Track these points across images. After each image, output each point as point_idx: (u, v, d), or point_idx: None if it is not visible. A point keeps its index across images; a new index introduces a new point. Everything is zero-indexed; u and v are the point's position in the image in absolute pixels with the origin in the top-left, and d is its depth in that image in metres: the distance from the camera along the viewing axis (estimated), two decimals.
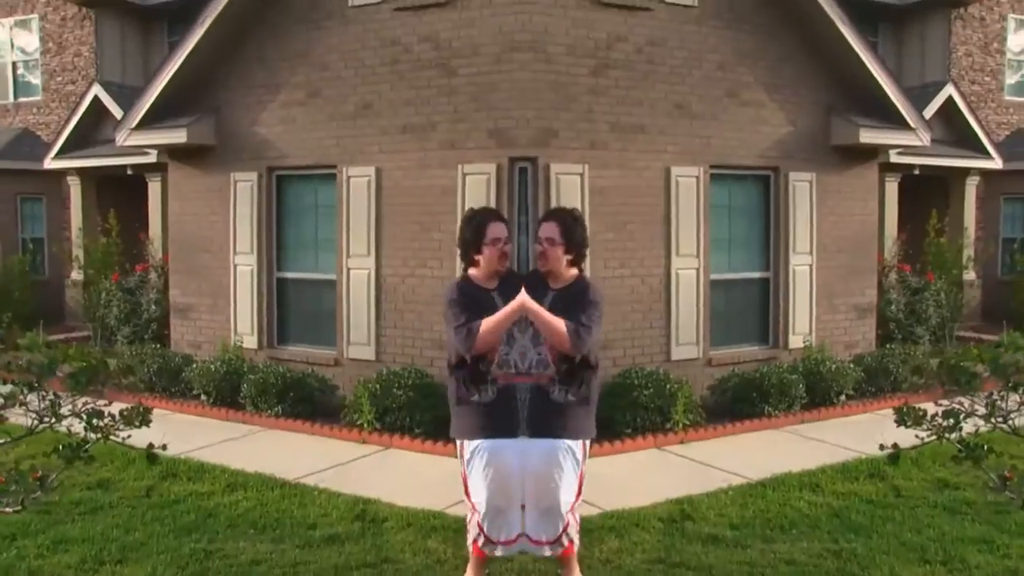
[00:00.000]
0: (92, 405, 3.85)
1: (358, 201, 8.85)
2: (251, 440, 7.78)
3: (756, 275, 9.77)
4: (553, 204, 8.08)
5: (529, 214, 8.18)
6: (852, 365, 9.24)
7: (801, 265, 9.75)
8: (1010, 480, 4.12)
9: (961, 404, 4.34)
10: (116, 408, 4.02)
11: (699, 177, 8.95)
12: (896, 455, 4.40)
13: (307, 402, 8.45)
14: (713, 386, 8.89)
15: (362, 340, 8.92)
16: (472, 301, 4.02)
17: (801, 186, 9.70)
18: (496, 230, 4.08)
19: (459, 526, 5.34)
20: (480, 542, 4.10)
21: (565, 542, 4.13)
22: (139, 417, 3.70)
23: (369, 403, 7.78)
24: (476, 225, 4.11)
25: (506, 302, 3.93)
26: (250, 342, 9.60)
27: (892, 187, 13.07)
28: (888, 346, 10.13)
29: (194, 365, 9.12)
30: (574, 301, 4.02)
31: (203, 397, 8.91)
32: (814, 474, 6.52)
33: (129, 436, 3.82)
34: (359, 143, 8.86)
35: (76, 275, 14.30)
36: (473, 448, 4.03)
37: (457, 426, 4.20)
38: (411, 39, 8.45)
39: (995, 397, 4.18)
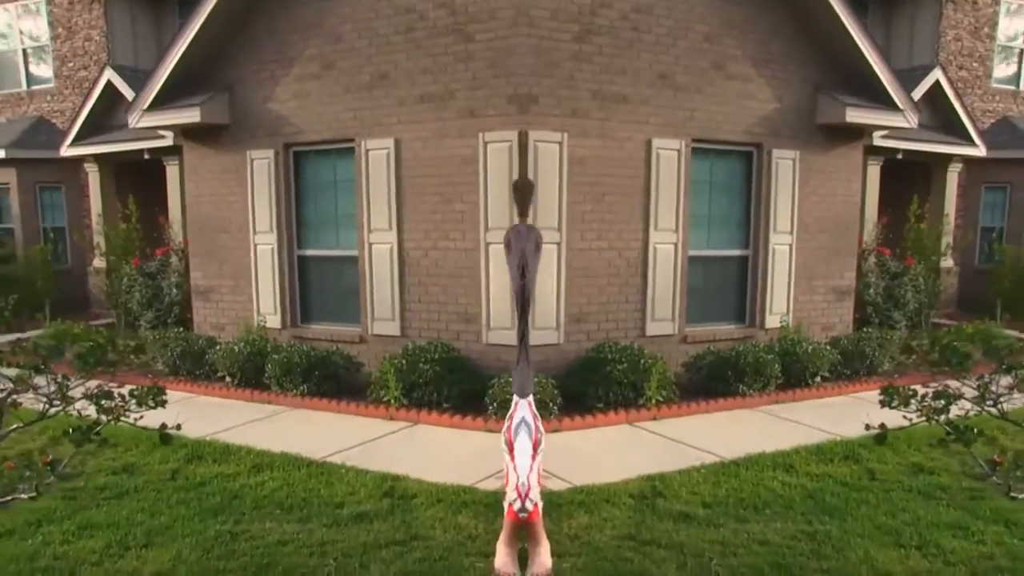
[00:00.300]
0: (104, 387, 3.70)
1: (377, 174, 8.68)
2: (276, 420, 7.64)
3: (735, 253, 9.65)
4: (531, 173, 7.99)
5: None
6: (829, 347, 9.16)
7: (781, 244, 9.64)
8: (1000, 465, 3.97)
9: (948, 386, 4.21)
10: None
11: (681, 150, 8.77)
12: (883, 435, 4.33)
13: (333, 380, 8.32)
14: (688, 363, 8.78)
15: (386, 316, 8.77)
16: None
17: (784, 164, 9.55)
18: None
19: (490, 501, 5.22)
20: (517, 506, 4.01)
21: (529, 506, 4.04)
22: (152, 397, 3.51)
23: (395, 379, 7.63)
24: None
25: None
26: (273, 322, 9.49)
27: (874, 170, 12.96)
28: (865, 329, 10.05)
29: (217, 347, 9.01)
30: None
31: (227, 379, 8.80)
32: (788, 455, 6.41)
33: (141, 417, 3.64)
34: (376, 115, 8.66)
35: (98, 262, 14.26)
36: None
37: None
38: (426, 5, 8.23)
39: (987, 379, 4.02)
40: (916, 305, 11.82)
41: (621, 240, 8.53)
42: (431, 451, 6.57)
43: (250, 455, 6.30)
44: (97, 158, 14.44)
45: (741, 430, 7.30)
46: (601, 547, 4.49)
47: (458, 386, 7.64)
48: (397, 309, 8.69)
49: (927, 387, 4.18)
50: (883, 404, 4.23)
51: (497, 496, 5.27)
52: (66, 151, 14.40)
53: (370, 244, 8.78)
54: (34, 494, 3.61)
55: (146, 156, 13.26)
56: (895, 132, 11.15)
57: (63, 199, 15.98)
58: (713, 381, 8.39)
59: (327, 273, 9.48)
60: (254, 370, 8.61)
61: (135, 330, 11.69)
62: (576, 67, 8.09)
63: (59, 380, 3.50)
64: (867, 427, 5.19)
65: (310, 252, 9.53)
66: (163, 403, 3.79)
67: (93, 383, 3.86)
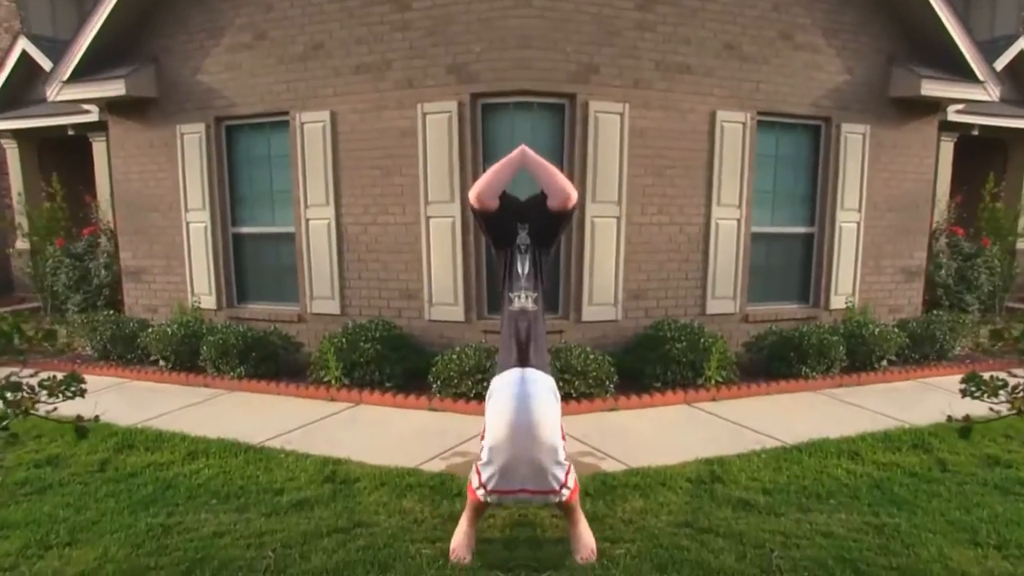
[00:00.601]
0: (11, 377, 3.41)
1: (313, 148, 8.38)
2: (213, 404, 7.35)
3: (800, 230, 9.33)
4: (591, 145, 7.76)
5: (564, 154, 7.95)
6: (896, 330, 8.74)
7: (848, 222, 9.31)
8: None
9: None
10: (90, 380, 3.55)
11: (746, 123, 8.50)
12: (968, 429, 3.96)
13: (271, 361, 8.04)
14: (748, 343, 8.56)
15: (325, 294, 8.50)
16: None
17: (854, 139, 9.19)
18: None
19: (435, 483, 5.04)
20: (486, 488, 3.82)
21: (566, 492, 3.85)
22: (67, 387, 3.23)
23: (336, 359, 7.39)
24: None
25: None
26: (208, 302, 9.15)
27: (947, 147, 12.38)
28: (935, 312, 9.63)
29: (150, 330, 8.64)
30: None
31: (161, 363, 8.46)
32: (853, 441, 6.09)
33: (55, 409, 3.36)
34: (311, 87, 8.35)
35: (21, 244, 13.65)
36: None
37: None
38: None
39: None
40: (990, 288, 11.41)
41: (682, 215, 8.31)
42: (374, 432, 6.35)
43: (184, 442, 6.01)
44: (16, 134, 13.74)
45: (803, 414, 7.04)
46: (656, 534, 4.28)
47: (401, 364, 7.43)
48: (336, 287, 8.43)
49: (1012, 375, 3.89)
50: (965, 393, 3.88)
51: (443, 478, 5.11)
52: None
53: (307, 220, 8.49)
54: None
55: (70, 132, 12.69)
56: (971, 107, 10.67)
57: None
58: (775, 362, 8.15)
59: (263, 251, 9.16)
60: (189, 353, 8.28)
61: (63, 314, 11.23)
62: (639, 36, 7.86)
63: None
64: (949, 418, 4.82)
65: (245, 230, 9.20)
66: (82, 393, 3.51)
67: (2, 372, 3.55)
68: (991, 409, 4.07)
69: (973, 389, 3.83)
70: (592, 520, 4.39)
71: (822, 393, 7.83)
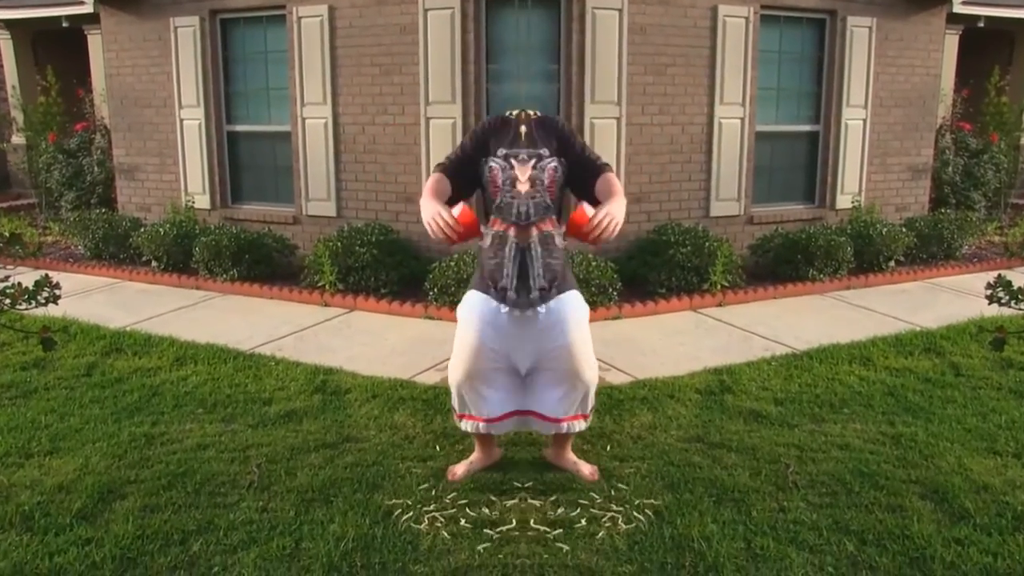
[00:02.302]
0: None
1: (310, 44, 8.03)
2: (204, 307, 7.20)
3: (805, 128, 9.03)
4: (588, 43, 7.42)
5: (562, 53, 7.62)
6: (904, 229, 8.52)
7: (854, 120, 8.99)
8: None
9: None
10: (66, 278, 3.36)
11: (748, 18, 8.11)
12: (1002, 341, 3.71)
13: (265, 264, 7.86)
14: (754, 246, 8.33)
15: (321, 195, 8.27)
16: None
17: (860, 32, 8.80)
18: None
19: (428, 397, 4.89)
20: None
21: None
22: (35, 293, 3.04)
23: (330, 263, 7.21)
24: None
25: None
26: (202, 202, 8.93)
27: (952, 40, 11.88)
28: (942, 210, 9.42)
29: (142, 229, 8.45)
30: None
31: (153, 263, 8.27)
32: (864, 346, 5.91)
33: (21, 318, 3.18)
34: None
35: (17, 139, 13.36)
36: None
37: None
38: None
39: None
40: (996, 185, 11.12)
41: (684, 115, 7.99)
42: (367, 340, 6.20)
43: (173, 347, 5.88)
44: (9, 25, 13.32)
45: (812, 318, 6.88)
46: (667, 450, 4.11)
47: (396, 270, 7.25)
48: (333, 188, 8.19)
49: None
50: (992, 299, 3.64)
51: (437, 391, 4.96)
52: None
53: (303, 119, 8.20)
54: None
55: (64, 24, 12.25)
56: None
57: None
58: (781, 265, 7.96)
59: (259, 150, 8.89)
60: (181, 254, 8.09)
61: (57, 211, 11.03)
62: None
63: None
64: (980, 329, 4.53)
65: (240, 128, 8.91)
66: (55, 299, 3.32)
67: None
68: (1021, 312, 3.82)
69: (1001, 295, 3.57)
70: (600, 437, 4.29)
71: (830, 296, 7.68)
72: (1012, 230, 10.33)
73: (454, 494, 3.65)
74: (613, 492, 3.69)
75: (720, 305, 7.22)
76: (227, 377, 5.27)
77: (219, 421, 4.56)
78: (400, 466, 3.91)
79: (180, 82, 8.88)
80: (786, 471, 3.89)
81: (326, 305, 7.13)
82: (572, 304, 3.48)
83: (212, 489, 3.71)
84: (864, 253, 8.18)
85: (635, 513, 3.49)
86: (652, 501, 3.60)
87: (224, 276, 7.74)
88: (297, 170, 8.37)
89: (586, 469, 3.85)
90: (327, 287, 7.22)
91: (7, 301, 3.02)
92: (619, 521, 3.43)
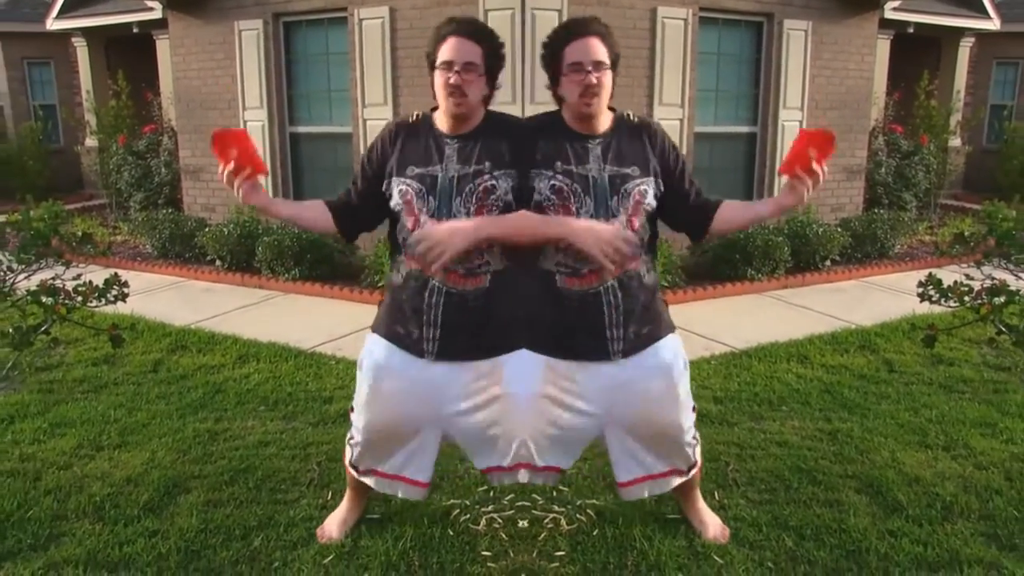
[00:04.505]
0: (56, 280, 3.31)
1: (371, 45, 8.12)
2: (266, 306, 7.32)
3: (743, 129, 9.16)
4: (527, 45, 7.42)
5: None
6: (839, 229, 8.73)
7: (791, 121, 9.10)
8: None
9: (1004, 281, 3.70)
10: (135, 276, 3.45)
11: (687, 19, 8.17)
12: (933, 338, 3.81)
13: (326, 264, 7.96)
14: (693, 246, 8.34)
15: None
16: (408, 146, 2.83)
17: (796, 35, 8.92)
18: (452, 49, 2.67)
19: None
20: None
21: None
22: (106, 292, 3.12)
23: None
24: (433, 40, 2.76)
25: (467, 157, 2.75)
26: None
27: (884, 44, 12.16)
28: (875, 210, 9.66)
29: (207, 229, 8.62)
30: (646, 149, 2.86)
31: (217, 262, 8.44)
32: (802, 344, 6.04)
33: (91, 316, 3.27)
34: None
35: (90, 141, 13.73)
36: None
37: None
38: None
39: None
40: (927, 186, 11.41)
41: None
42: None
43: (236, 345, 5.98)
44: (85, 32, 13.72)
45: (750, 317, 6.97)
46: (608, 450, 4.10)
47: None
48: None
49: (970, 278, 3.72)
50: (923, 297, 3.71)
51: None
52: (52, 24, 13.64)
53: (364, 120, 8.29)
54: None
55: (135, 30, 12.58)
56: (907, 3, 10.70)
57: (53, 75, 15.37)
58: (720, 265, 8.02)
59: (320, 151, 9.01)
60: (245, 253, 8.23)
61: (126, 212, 11.31)
62: None
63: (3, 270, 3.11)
64: (912, 326, 4.66)
65: (302, 129, 9.05)
66: (123, 297, 3.41)
67: (48, 275, 3.47)
68: (954, 316, 3.88)
69: (932, 293, 3.64)
70: None
71: (768, 295, 7.76)
72: (942, 230, 10.62)
73: (511, 495, 3.65)
74: (555, 493, 3.68)
75: None
76: (288, 375, 5.35)
77: (280, 419, 4.63)
78: (459, 467, 3.92)
79: (244, 84, 9.04)
80: (726, 469, 3.95)
81: None
82: None
83: (273, 485, 3.76)
84: (801, 253, 8.29)
85: (577, 514, 3.49)
86: (594, 501, 3.60)
87: (286, 275, 7.85)
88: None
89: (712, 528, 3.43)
90: None
91: (79, 299, 3.10)
92: (561, 522, 3.42)
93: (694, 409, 3.14)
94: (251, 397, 4.95)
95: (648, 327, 2.92)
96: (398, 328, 2.90)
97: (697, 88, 8.50)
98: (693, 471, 3.21)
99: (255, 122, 9.00)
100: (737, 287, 7.79)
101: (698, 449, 3.20)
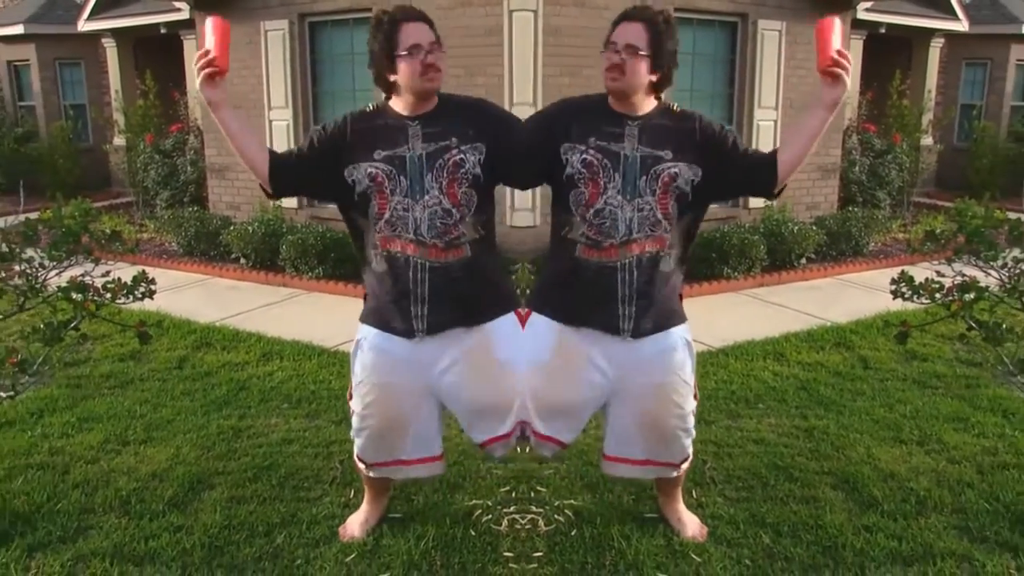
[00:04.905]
0: (86, 276, 3.36)
1: None
2: (290, 304, 7.37)
3: None
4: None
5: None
6: (814, 227, 8.77)
7: (766, 120, 9.15)
8: None
9: (974, 277, 3.78)
10: (161, 273, 3.49)
11: None
12: (905, 335, 3.85)
13: (349, 263, 7.96)
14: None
15: None
16: (368, 133, 2.91)
17: (770, 36, 8.94)
18: (414, 33, 2.81)
19: None
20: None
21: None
22: (131, 288, 3.17)
23: None
24: (386, 31, 2.87)
25: (432, 135, 2.84)
26: (289, 201, 9.13)
27: (857, 45, 12.28)
28: (850, 208, 9.73)
29: (232, 227, 8.69)
30: (686, 137, 2.88)
31: (242, 260, 8.52)
32: (778, 342, 6.07)
33: (119, 312, 3.32)
34: None
35: (118, 140, 13.89)
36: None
37: None
38: None
39: (1019, 270, 3.60)
40: (900, 184, 11.54)
41: None
42: None
43: (260, 343, 6.03)
44: (114, 33, 13.89)
45: (727, 315, 6.99)
46: (585, 450, 4.05)
47: None
48: None
49: (941, 275, 3.80)
50: (896, 294, 3.82)
51: None
52: (83, 26, 13.82)
53: None
54: (12, 394, 3.33)
55: (163, 30, 12.72)
56: (879, 4, 10.84)
57: (83, 75, 15.55)
58: (696, 264, 7.95)
59: None
60: (269, 251, 8.29)
61: (152, 209, 11.42)
62: None
63: (29, 272, 3.16)
64: (886, 323, 4.81)
65: None
66: (151, 294, 3.46)
67: (77, 272, 3.51)
68: (926, 312, 4.13)
69: (905, 290, 3.69)
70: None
71: (744, 293, 7.79)
72: (915, 227, 10.70)
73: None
74: (532, 494, 3.68)
75: None
76: (311, 373, 5.39)
77: (303, 417, 4.67)
78: (481, 467, 3.94)
79: (269, 84, 9.11)
80: (704, 467, 3.94)
81: None
82: None
83: (296, 483, 3.80)
84: (777, 251, 8.33)
85: (555, 515, 3.48)
86: (572, 502, 3.60)
87: (310, 274, 7.90)
88: None
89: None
90: None
91: (108, 295, 3.14)
92: (539, 523, 3.42)
93: (696, 398, 3.15)
94: (275, 395, 5.00)
95: (660, 319, 2.97)
96: (386, 315, 2.96)
97: (672, 88, 8.42)
98: (684, 465, 3.25)
99: (280, 121, 9.07)
100: (713, 285, 7.83)
101: (691, 442, 3.21)
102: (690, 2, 8.35)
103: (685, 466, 3.27)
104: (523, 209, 7.85)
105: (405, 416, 3.05)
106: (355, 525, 3.36)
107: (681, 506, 3.43)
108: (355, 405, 3.11)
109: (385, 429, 3.07)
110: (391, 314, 2.94)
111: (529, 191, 7.23)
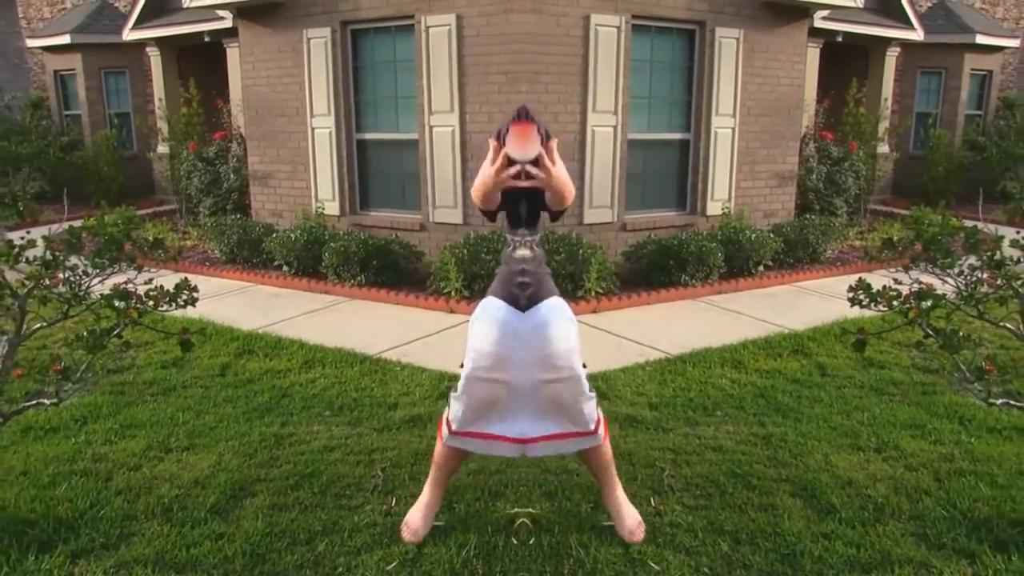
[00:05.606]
0: (129, 284, 3.36)
1: (438, 53, 8.14)
2: (332, 312, 7.37)
3: (676, 136, 9.08)
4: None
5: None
6: (772, 235, 8.68)
7: (723, 128, 9.06)
8: (989, 373, 3.47)
9: (930, 285, 3.74)
10: (203, 281, 3.48)
11: (620, 27, 8.10)
12: (863, 342, 3.83)
13: (391, 270, 8.00)
14: (628, 252, 8.31)
15: (448, 203, 8.36)
16: None
17: (728, 43, 8.85)
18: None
19: None
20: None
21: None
22: (174, 296, 3.15)
23: (456, 270, 7.27)
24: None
25: None
26: (332, 208, 9.16)
27: (814, 53, 12.27)
28: (807, 216, 9.68)
29: (274, 235, 8.72)
30: None
31: (284, 267, 8.55)
32: (736, 349, 6.06)
33: (162, 319, 3.31)
34: None
35: (162, 148, 14.06)
36: None
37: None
38: None
39: (975, 277, 3.56)
40: (856, 191, 11.49)
41: (557, 123, 7.96)
42: None
43: (302, 350, 6.03)
44: (159, 42, 14.08)
45: (685, 322, 6.95)
46: (542, 458, 3.85)
47: None
48: (459, 196, 8.27)
49: (898, 284, 3.76)
50: (853, 302, 3.81)
51: None
52: (128, 35, 14.05)
53: (431, 127, 8.31)
54: (56, 401, 3.33)
55: (206, 39, 12.85)
56: (836, 13, 10.82)
57: (128, 84, 15.76)
58: (654, 271, 8.01)
59: (387, 158, 9.06)
60: (311, 259, 8.32)
61: (195, 217, 11.52)
62: None
63: (72, 279, 3.16)
64: (843, 330, 4.96)
65: (369, 136, 9.10)
66: (193, 301, 3.44)
67: (120, 279, 3.52)
68: (883, 319, 4.07)
69: (862, 298, 3.64)
70: None
71: (702, 300, 7.74)
72: (872, 235, 10.67)
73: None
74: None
75: (595, 312, 7.19)
76: (353, 381, 5.36)
77: (345, 424, 4.64)
78: (523, 474, 3.88)
79: (312, 91, 9.14)
80: (662, 475, 3.94)
81: (452, 312, 7.18)
82: None
83: (338, 491, 3.76)
84: (734, 258, 8.28)
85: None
86: (529, 510, 3.55)
87: (352, 281, 7.91)
88: (424, 177, 8.48)
89: (628, 523, 3.41)
90: (452, 294, 7.28)
91: (151, 303, 3.13)
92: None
93: (585, 366, 3.22)
94: (316, 402, 4.98)
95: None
96: (509, 288, 3.15)
97: (630, 95, 8.46)
98: (600, 432, 3.25)
99: (322, 129, 9.10)
100: (671, 293, 7.77)
101: (596, 405, 3.25)
102: (648, 10, 8.31)
103: (602, 433, 3.27)
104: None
105: (504, 379, 3.15)
106: (417, 518, 3.37)
107: (620, 496, 3.44)
108: (467, 360, 3.23)
109: (486, 391, 3.18)
110: (510, 288, 3.18)
111: None
